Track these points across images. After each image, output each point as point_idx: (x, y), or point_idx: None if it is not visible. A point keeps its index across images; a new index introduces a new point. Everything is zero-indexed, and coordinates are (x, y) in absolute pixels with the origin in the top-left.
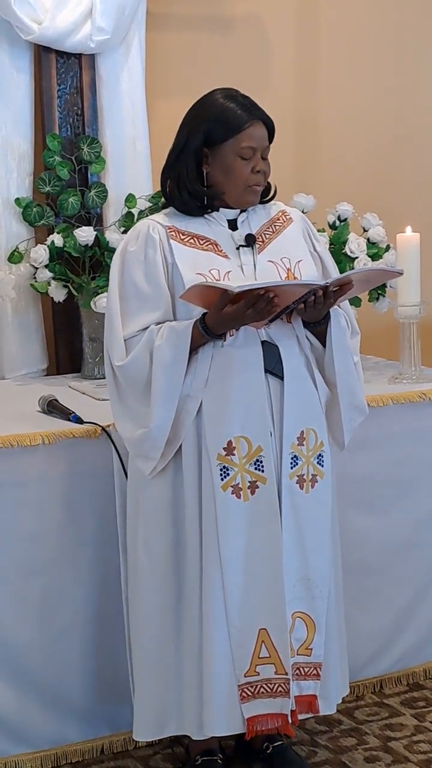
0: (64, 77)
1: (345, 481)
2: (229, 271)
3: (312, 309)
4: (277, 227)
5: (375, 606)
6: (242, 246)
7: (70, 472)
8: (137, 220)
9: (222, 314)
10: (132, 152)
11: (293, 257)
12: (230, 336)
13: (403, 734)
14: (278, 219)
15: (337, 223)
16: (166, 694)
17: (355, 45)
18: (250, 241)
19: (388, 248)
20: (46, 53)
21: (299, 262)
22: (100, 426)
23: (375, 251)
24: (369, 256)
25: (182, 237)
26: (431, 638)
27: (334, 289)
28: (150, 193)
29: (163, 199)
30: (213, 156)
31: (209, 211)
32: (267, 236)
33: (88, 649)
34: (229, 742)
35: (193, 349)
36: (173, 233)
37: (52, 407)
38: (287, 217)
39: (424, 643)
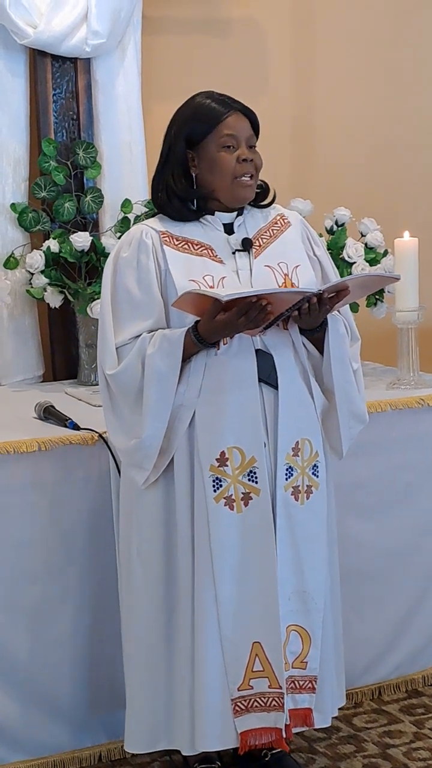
0: (59, 81)
1: (343, 487)
2: (223, 277)
3: (307, 316)
4: (274, 231)
5: (373, 612)
6: (238, 251)
7: (66, 478)
8: (133, 225)
9: (215, 322)
10: (128, 157)
11: (291, 262)
12: (224, 344)
13: (402, 741)
14: (276, 223)
15: (335, 228)
16: (158, 708)
17: (351, 49)
18: (246, 245)
19: (386, 253)
20: (42, 57)
21: (297, 267)
22: (96, 432)
23: (373, 256)
24: (367, 261)
25: (176, 242)
26: (430, 645)
27: (330, 296)
28: (146, 198)
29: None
30: (198, 156)
31: (204, 214)
32: (264, 240)
33: (85, 657)
34: (227, 750)
35: (186, 358)
36: (167, 238)
37: (49, 413)
38: (285, 220)
39: (422, 649)
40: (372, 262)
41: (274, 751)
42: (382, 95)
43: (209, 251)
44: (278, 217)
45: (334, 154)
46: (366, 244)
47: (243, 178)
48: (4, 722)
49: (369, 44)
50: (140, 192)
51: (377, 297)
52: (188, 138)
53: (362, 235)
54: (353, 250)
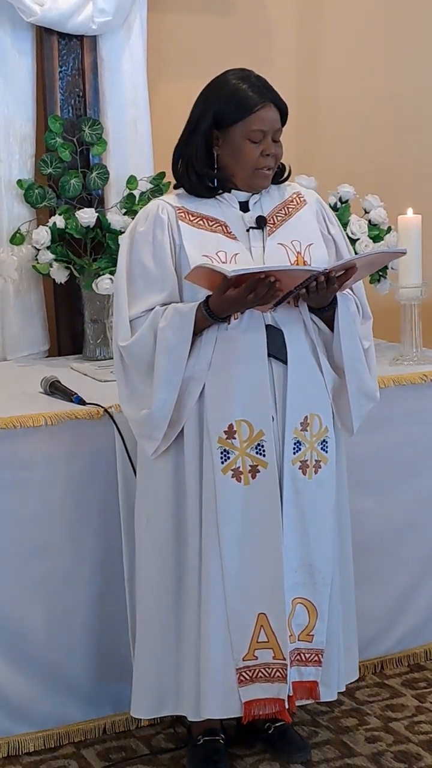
0: (65, 59)
1: (346, 463)
2: (236, 254)
3: (315, 294)
4: (290, 209)
5: (376, 587)
6: (253, 228)
7: (72, 453)
8: (138, 201)
9: (225, 297)
10: (133, 134)
11: (304, 240)
12: (234, 319)
13: (404, 715)
14: (292, 201)
15: (339, 204)
16: (165, 674)
17: (357, 26)
18: (260, 223)
19: (389, 230)
20: (48, 35)
21: (310, 245)
22: (102, 407)
23: (376, 233)
24: (370, 238)
25: (191, 218)
26: None
27: (338, 275)
28: (151, 175)
29: (174, 180)
30: (223, 138)
31: (221, 192)
32: (279, 218)
33: (90, 630)
34: (231, 722)
35: (197, 332)
36: (182, 214)
37: (55, 388)
38: (301, 199)
39: (424, 624)
40: (375, 238)
41: (277, 724)
42: (387, 73)
43: (224, 228)
44: (294, 195)
45: (339, 131)
46: (370, 221)
47: (263, 169)
48: (11, 694)
49: (374, 22)
50: (146, 168)
51: (380, 273)
52: (217, 118)
53: (366, 212)
54: (357, 226)
